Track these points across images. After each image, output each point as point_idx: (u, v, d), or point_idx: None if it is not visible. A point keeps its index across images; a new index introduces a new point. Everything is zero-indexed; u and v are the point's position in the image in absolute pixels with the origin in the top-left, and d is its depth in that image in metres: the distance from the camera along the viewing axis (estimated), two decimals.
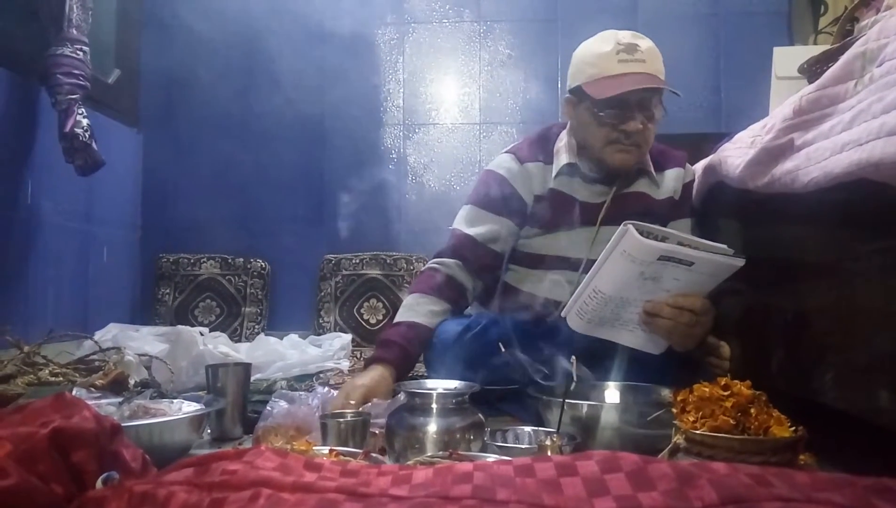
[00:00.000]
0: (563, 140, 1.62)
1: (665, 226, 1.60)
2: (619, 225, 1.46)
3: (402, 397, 1.26)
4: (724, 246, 1.22)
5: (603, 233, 1.54)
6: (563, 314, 1.33)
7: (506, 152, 1.66)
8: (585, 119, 1.53)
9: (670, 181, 1.62)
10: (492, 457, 1.00)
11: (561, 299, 1.53)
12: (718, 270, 1.23)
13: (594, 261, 1.30)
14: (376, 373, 1.44)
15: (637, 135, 1.48)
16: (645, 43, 1.48)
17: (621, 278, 1.23)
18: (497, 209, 1.60)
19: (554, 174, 1.59)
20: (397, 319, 1.56)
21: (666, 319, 1.27)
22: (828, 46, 1.35)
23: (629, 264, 1.20)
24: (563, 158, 1.59)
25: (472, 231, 1.60)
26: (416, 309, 1.55)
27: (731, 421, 0.92)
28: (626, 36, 1.49)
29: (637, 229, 1.18)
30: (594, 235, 1.56)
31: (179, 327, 1.99)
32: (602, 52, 1.48)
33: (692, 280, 1.24)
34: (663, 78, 1.49)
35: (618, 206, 1.57)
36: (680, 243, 1.20)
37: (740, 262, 1.21)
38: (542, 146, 1.64)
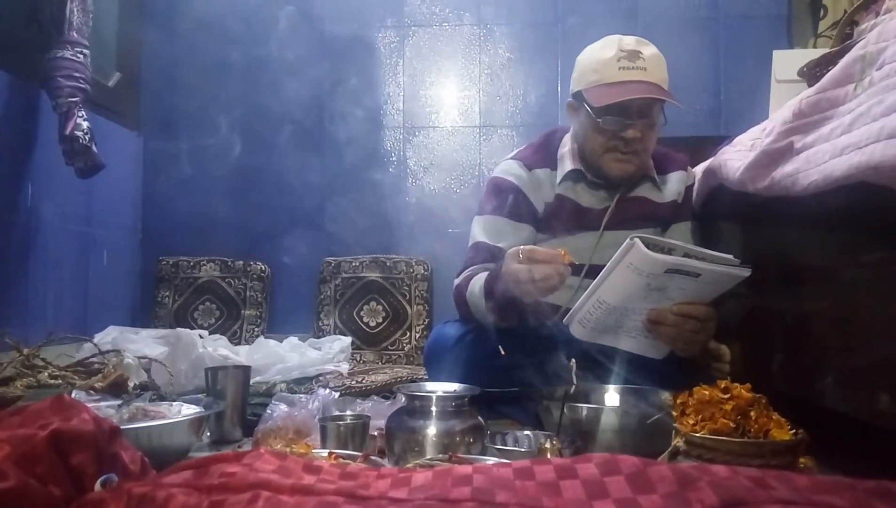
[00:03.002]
0: (566, 145, 1.61)
1: (667, 229, 1.60)
2: (623, 230, 1.45)
3: (401, 399, 1.26)
4: (730, 256, 1.21)
5: (606, 238, 1.54)
6: (565, 322, 1.32)
7: (511, 159, 1.64)
8: (585, 125, 1.52)
9: (673, 185, 1.62)
10: (491, 460, 1.00)
11: (562, 303, 1.53)
12: (724, 280, 1.22)
13: (597, 266, 1.29)
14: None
15: (636, 142, 1.47)
16: (648, 50, 1.47)
17: (627, 290, 1.22)
18: (518, 217, 1.57)
19: (558, 180, 1.58)
20: (477, 286, 1.46)
21: (670, 326, 1.27)
22: (827, 50, 1.36)
23: (635, 277, 1.19)
24: (567, 164, 1.58)
25: (503, 244, 1.53)
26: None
27: (731, 424, 0.92)
28: (629, 42, 1.47)
29: (643, 242, 1.17)
30: (597, 240, 1.55)
31: (179, 329, 1.99)
32: (603, 58, 1.47)
33: (698, 290, 1.24)
34: (666, 85, 1.47)
35: (621, 211, 1.56)
36: (686, 255, 1.19)
37: (746, 272, 1.20)
38: (546, 152, 1.63)
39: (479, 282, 1.46)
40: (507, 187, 1.59)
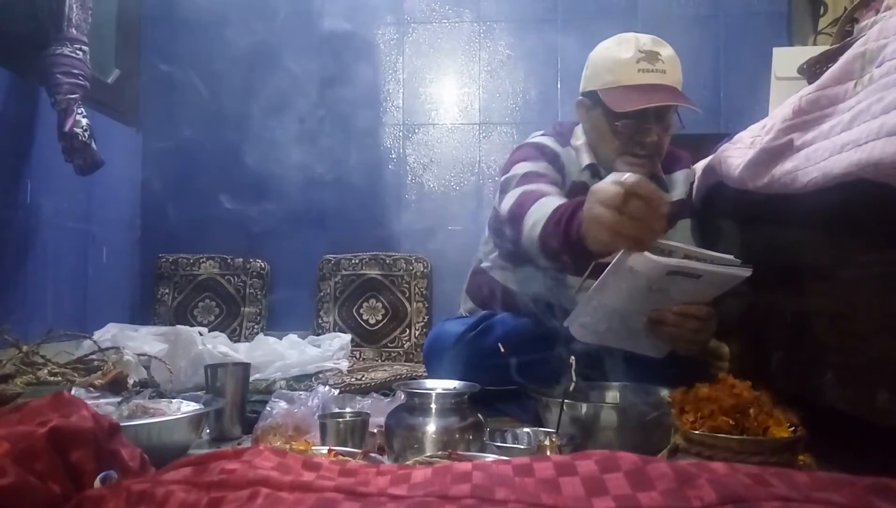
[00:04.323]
0: (580, 139, 1.59)
1: (672, 227, 1.60)
2: None
3: (401, 396, 1.26)
4: (731, 257, 1.20)
5: None
6: (566, 324, 1.32)
7: (543, 135, 1.60)
8: (599, 126, 1.50)
9: (679, 183, 1.61)
10: (491, 457, 1.00)
11: (562, 301, 1.52)
12: (726, 280, 1.22)
13: (602, 264, 1.28)
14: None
15: (652, 146, 1.46)
16: (666, 51, 1.45)
17: (628, 293, 1.22)
18: (555, 167, 1.51)
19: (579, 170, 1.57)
20: (545, 209, 1.31)
21: (671, 326, 1.26)
22: (827, 47, 1.35)
23: (637, 280, 1.19)
24: (584, 158, 1.56)
25: (548, 172, 1.46)
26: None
27: (731, 422, 0.92)
28: (646, 42, 1.44)
29: None
30: None
31: (178, 327, 1.99)
32: (622, 58, 1.44)
33: (699, 291, 1.23)
34: (681, 86, 1.46)
35: None
36: (687, 256, 1.19)
37: (747, 272, 1.19)
38: (566, 140, 1.61)
39: (549, 204, 1.31)
40: (546, 148, 1.55)
